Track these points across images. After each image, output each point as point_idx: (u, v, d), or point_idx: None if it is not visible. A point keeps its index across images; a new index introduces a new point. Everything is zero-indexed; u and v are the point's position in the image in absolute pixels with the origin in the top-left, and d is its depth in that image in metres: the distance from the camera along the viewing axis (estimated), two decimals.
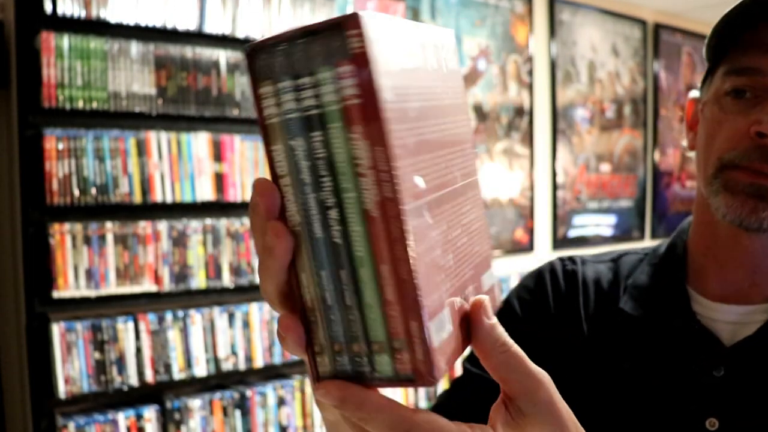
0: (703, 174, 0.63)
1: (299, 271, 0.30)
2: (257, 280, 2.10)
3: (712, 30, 0.63)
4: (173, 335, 1.97)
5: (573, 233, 3.47)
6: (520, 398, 0.35)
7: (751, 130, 0.58)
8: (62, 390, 1.79)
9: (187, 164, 2.00)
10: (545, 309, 0.72)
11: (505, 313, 0.74)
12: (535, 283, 0.75)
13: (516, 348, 0.35)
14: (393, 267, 0.29)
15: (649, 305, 0.68)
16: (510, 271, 2.99)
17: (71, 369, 1.80)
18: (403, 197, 0.28)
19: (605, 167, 3.65)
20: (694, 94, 0.70)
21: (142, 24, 1.92)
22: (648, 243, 3.89)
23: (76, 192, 1.82)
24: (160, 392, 1.96)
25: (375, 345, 0.30)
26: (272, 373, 2.22)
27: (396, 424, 0.31)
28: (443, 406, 0.75)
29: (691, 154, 0.67)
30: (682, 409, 0.63)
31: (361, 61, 0.27)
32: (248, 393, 2.09)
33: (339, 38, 0.27)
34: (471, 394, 0.71)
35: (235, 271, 2.09)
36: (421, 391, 2.55)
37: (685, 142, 0.70)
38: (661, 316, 0.67)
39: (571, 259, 0.76)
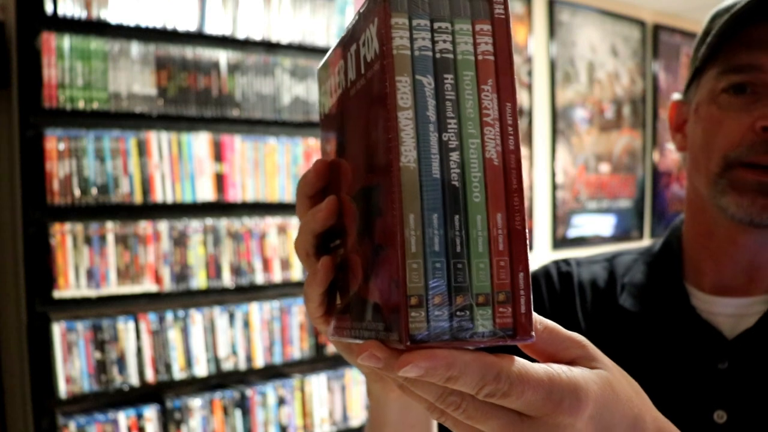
0: (705, 173, 0.63)
1: (406, 211, 0.28)
2: (257, 280, 2.12)
3: (702, 31, 0.65)
4: (174, 335, 1.97)
5: (572, 233, 3.48)
6: (579, 361, 0.35)
7: (756, 125, 0.58)
8: (63, 389, 1.79)
9: (187, 164, 2.00)
10: (541, 311, 0.71)
11: None
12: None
13: (549, 321, 0.35)
14: (508, 216, 0.29)
15: (647, 301, 0.68)
16: None
17: (72, 368, 1.81)
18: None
19: (604, 167, 3.66)
20: (677, 96, 0.71)
21: (143, 25, 1.92)
22: (646, 243, 3.89)
23: (77, 192, 1.83)
24: (161, 392, 1.97)
25: (480, 297, 0.29)
26: (272, 372, 2.22)
27: (485, 373, 0.30)
28: None
29: (678, 155, 0.67)
30: (689, 404, 0.63)
31: (502, 26, 0.29)
32: (248, 392, 2.10)
33: (485, 1, 0.30)
34: None
35: (236, 271, 2.09)
36: None
37: (671, 145, 0.71)
38: (661, 312, 0.67)
39: (566, 261, 0.77)
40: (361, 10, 0.33)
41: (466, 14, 0.30)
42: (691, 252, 0.69)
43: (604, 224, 3.66)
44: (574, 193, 3.50)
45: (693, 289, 0.68)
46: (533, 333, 0.29)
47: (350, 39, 0.35)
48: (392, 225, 0.28)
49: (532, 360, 0.34)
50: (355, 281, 0.34)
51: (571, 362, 0.35)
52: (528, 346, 0.34)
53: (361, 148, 0.33)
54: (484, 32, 0.30)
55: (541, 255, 3.31)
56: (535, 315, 0.32)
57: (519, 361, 0.31)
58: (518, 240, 0.29)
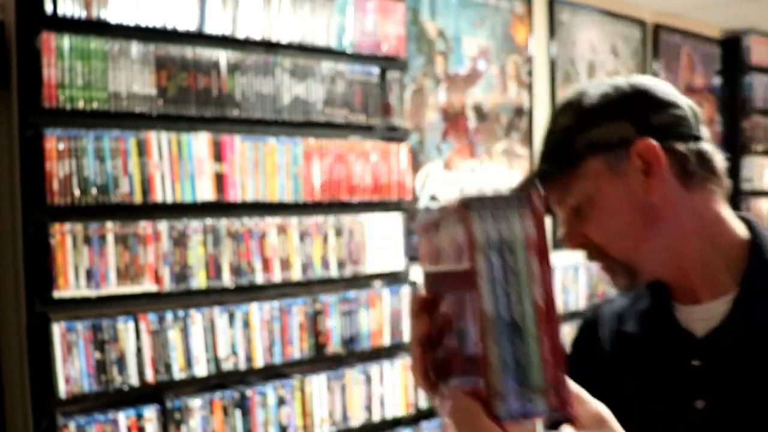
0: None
1: (488, 339, 0.44)
2: (257, 280, 2.11)
3: (668, 103, 0.79)
4: (173, 335, 1.97)
5: None
6: (590, 427, 0.49)
7: None
8: (63, 390, 1.79)
9: (187, 164, 2.00)
10: (582, 347, 0.95)
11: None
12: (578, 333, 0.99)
13: (575, 385, 0.48)
14: (551, 338, 0.44)
15: (645, 323, 0.85)
16: None
17: (72, 369, 1.80)
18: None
19: None
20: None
21: (143, 24, 1.92)
22: None
23: (77, 192, 1.82)
24: (161, 392, 1.96)
25: (538, 388, 0.44)
26: (272, 372, 2.22)
27: None
28: None
29: None
30: (675, 395, 0.79)
31: (539, 214, 0.46)
32: (248, 393, 2.09)
33: (525, 200, 0.46)
34: None
35: (236, 271, 2.09)
36: (421, 391, 2.54)
37: None
38: (653, 329, 0.84)
39: (593, 306, 0.99)
40: (441, 204, 0.53)
41: (516, 207, 0.46)
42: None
43: None
44: None
45: (677, 304, 0.82)
46: (572, 409, 0.45)
47: (435, 222, 0.54)
48: (480, 347, 0.44)
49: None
50: (454, 373, 0.52)
51: (585, 426, 0.49)
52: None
53: (456, 298, 0.50)
54: (527, 217, 0.45)
55: None
56: (572, 389, 0.47)
57: None
58: (558, 352, 0.44)
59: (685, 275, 0.79)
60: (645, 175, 0.77)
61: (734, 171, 4.31)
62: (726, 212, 0.80)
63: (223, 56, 2.07)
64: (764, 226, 0.82)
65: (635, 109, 0.78)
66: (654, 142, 0.76)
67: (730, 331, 0.76)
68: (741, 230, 0.80)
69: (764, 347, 0.74)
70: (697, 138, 0.79)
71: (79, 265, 1.83)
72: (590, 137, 0.78)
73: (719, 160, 0.80)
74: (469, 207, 0.46)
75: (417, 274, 2.64)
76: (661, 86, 0.80)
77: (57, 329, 1.79)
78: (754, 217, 0.84)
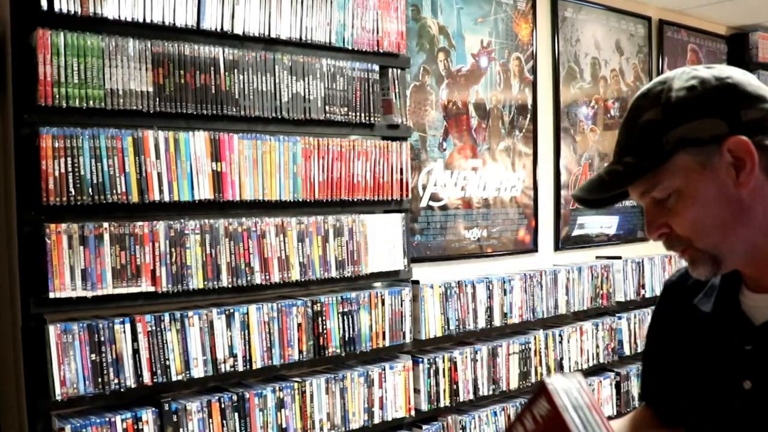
0: None
1: None
2: (256, 280, 2.09)
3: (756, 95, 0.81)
4: (171, 336, 1.94)
5: (576, 233, 3.44)
6: None
7: None
8: (58, 392, 1.76)
9: (184, 163, 1.97)
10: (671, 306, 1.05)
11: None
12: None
13: None
14: None
15: (715, 301, 0.92)
16: (513, 272, 2.96)
17: (67, 370, 1.78)
18: None
19: None
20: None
21: (139, 21, 1.89)
22: (652, 243, 3.84)
23: (73, 191, 1.80)
24: (158, 394, 1.94)
25: None
26: (271, 375, 2.19)
27: None
28: None
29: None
30: (726, 374, 0.88)
31: (552, 405, 0.74)
32: (247, 395, 2.07)
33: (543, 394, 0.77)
34: None
35: (234, 271, 2.06)
36: (422, 393, 2.52)
37: None
38: (720, 308, 0.91)
39: (680, 271, 1.06)
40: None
41: (536, 396, 0.80)
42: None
43: (608, 224, 3.62)
44: None
45: (744, 289, 0.89)
46: None
47: (525, 411, 0.82)
48: None
49: None
50: None
51: None
52: None
53: None
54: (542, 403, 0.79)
55: (544, 255, 3.27)
56: None
57: None
58: None
59: (757, 265, 0.85)
60: (736, 170, 0.80)
61: None
62: None
63: (221, 53, 2.04)
64: None
65: (726, 105, 0.79)
66: (746, 139, 0.78)
67: None
68: None
69: None
70: None
71: (74, 266, 1.80)
72: (681, 133, 0.79)
73: None
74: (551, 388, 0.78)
75: (418, 274, 2.62)
76: (749, 80, 0.82)
77: (52, 330, 1.77)
78: None
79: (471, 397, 2.67)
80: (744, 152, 0.78)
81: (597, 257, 3.40)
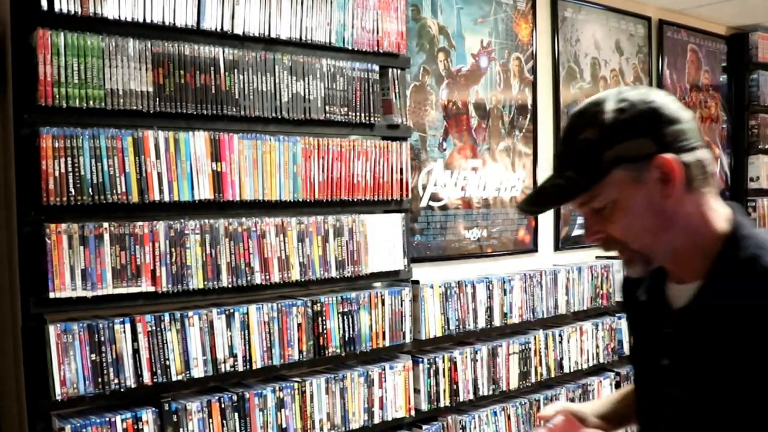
0: None
1: None
2: (256, 280, 2.09)
3: (665, 119, 0.94)
4: (171, 336, 1.94)
5: (576, 233, 3.44)
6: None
7: None
8: (58, 392, 1.76)
9: (184, 163, 1.97)
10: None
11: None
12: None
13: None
14: None
15: (647, 293, 1.09)
16: (513, 272, 2.96)
17: (67, 371, 1.78)
18: None
19: None
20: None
21: (139, 21, 1.89)
22: None
23: (73, 191, 1.80)
24: (158, 394, 1.94)
25: None
26: (271, 374, 2.19)
27: None
28: None
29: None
30: (651, 353, 1.06)
31: None
32: (247, 395, 2.07)
33: None
34: None
35: (234, 271, 2.06)
36: (422, 393, 2.52)
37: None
38: (651, 298, 1.08)
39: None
40: None
41: None
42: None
43: None
44: None
45: (670, 282, 1.04)
46: None
47: None
48: None
49: None
50: None
51: None
52: None
53: None
54: None
55: (544, 255, 3.27)
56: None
57: None
58: None
59: (677, 262, 1.01)
60: (662, 183, 0.93)
61: (740, 170, 4.26)
62: (712, 211, 0.98)
63: (221, 53, 2.04)
64: (745, 221, 0.99)
65: (652, 127, 0.92)
66: (670, 156, 0.91)
67: (692, 308, 0.98)
68: (723, 226, 0.98)
69: (714, 324, 0.95)
70: (698, 147, 0.95)
71: (75, 266, 1.80)
72: (617, 152, 0.92)
73: (712, 163, 0.97)
74: None
75: (418, 274, 2.62)
76: (669, 102, 0.95)
77: (52, 330, 1.77)
78: (740, 211, 1.01)
79: (471, 397, 2.67)
80: (669, 169, 0.92)
81: (597, 257, 3.40)
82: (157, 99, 1.93)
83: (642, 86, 1.00)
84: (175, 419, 1.93)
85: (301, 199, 2.20)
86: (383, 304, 2.39)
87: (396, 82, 2.44)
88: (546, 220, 3.31)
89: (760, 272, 0.93)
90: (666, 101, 0.94)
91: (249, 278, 2.08)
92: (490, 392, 2.73)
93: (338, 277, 2.28)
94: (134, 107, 1.89)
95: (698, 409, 0.99)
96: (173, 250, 1.95)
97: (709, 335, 0.96)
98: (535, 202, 1.02)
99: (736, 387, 0.93)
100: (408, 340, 2.46)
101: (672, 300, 1.03)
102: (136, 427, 1.86)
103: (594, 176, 0.93)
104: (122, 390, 1.85)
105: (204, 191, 2.00)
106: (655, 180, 0.92)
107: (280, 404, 2.13)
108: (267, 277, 2.12)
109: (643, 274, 1.02)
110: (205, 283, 2.00)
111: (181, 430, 1.94)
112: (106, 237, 1.85)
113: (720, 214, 0.98)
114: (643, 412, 1.13)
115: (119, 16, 1.86)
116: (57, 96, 1.78)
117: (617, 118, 0.92)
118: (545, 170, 3.31)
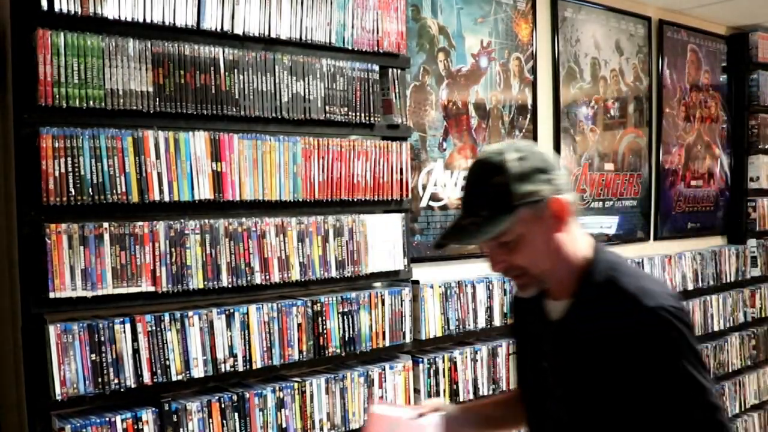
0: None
1: None
2: (256, 280, 2.09)
3: (535, 169, 1.17)
4: (171, 336, 1.94)
5: None
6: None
7: None
8: (58, 392, 1.76)
9: (185, 163, 1.97)
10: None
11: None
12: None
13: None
14: None
15: (532, 309, 1.30)
16: None
17: (67, 371, 1.78)
18: None
19: (609, 166, 3.61)
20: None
21: (139, 21, 1.89)
22: (651, 243, 3.85)
23: (73, 191, 1.80)
24: (158, 394, 1.94)
25: None
26: (271, 374, 2.19)
27: None
28: None
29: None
30: (535, 358, 1.29)
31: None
32: (247, 395, 2.07)
33: None
34: None
35: (234, 271, 2.06)
36: (422, 393, 2.52)
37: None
38: (534, 313, 1.29)
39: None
40: None
41: None
42: None
43: (608, 224, 3.62)
44: (578, 192, 3.46)
45: (548, 300, 1.26)
46: None
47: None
48: None
49: None
50: None
51: None
52: None
53: None
54: None
55: None
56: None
57: None
58: None
59: (554, 283, 1.21)
60: (555, 219, 1.15)
61: (740, 170, 4.26)
62: (580, 239, 1.21)
63: (221, 53, 2.04)
64: (602, 247, 1.24)
65: (546, 174, 1.14)
66: (561, 198, 1.15)
67: (563, 323, 1.21)
68: (587, 251, 1.21)
69: (577, 338, 1.18)
70: (569, 190, 1.18)
71: (75, 266, 1.80)
72: (522, 194, 1.12)
73: (576, 202, 1.24)
74: None
75: (418, 274, 2.62)
76: (549, 154, 1.19)
77: (52, 330, 1.77)
78: (599, 240, 1.27)
79: (471, 397, 2.67)
80: (561, 207, 1.15)
81: None
82: (157, 99, 1.93)
83: (525, 140, 1.29)
84: (175, 419, 1.93)
85: (301, 199, 2.20)
86: (383, 304, 2.39)
87: (396, 82, 2.44)
88: None
89: (614, 292, 1.15)
90: (549, 154, 1.19)
91: (249, 278, 2.08)
92: (490, 392, 2.73)
93: (338, 277, 2.28)
94: (134, 107, 1.89)
95: (571, 414, 1.18)
96: (173, 250, 1.95)
97: (576, 348, 1.17)
98: (455, 238, 1.20)
99: (599, 397, 1.14)
100: (408, 340, 2.46)
101: (551, 314, 1.24)
102: (136, 427, 1.86)
103: (506, 214, 1.11)
104: (122, 390, 1.85)
105: (204, 191, 2.00)
106: (550, 217, 1.14)
107: (280, 404, 2.14)
108: (267, 277, 2.12)
109: (533, 295, 1.22)
110: (205, 283, 2.00)
111: (181, 430, 1.94)
112: (106, 237, 1.85)
113: (585, 242, 1.21)
114: (531, 424, 1.34)
115: (119, 16, 1.86)
116: (57, 96, 1.78)
117: (521, 166, 1.12)
118: None
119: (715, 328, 3.85)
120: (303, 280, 2.21)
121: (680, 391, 1.08)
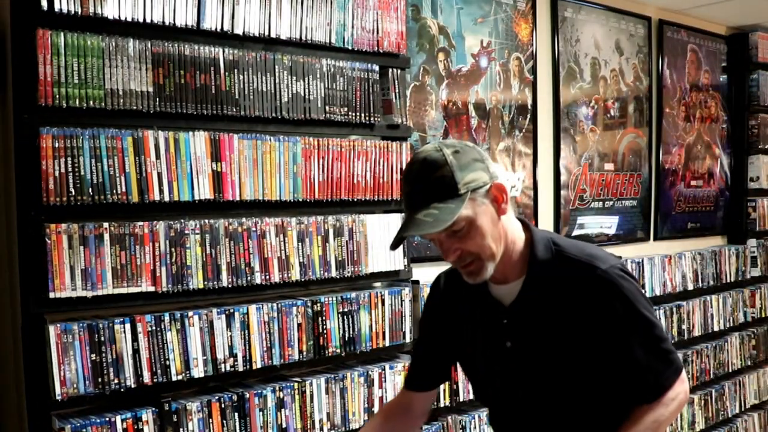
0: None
1: None
2: (256, 280, 2.09)
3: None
4: (171, 336, 1.94)
5: (576, 233, 3.44)
6: None
7: None
8: (58, 392, 1.76)
9: (185, 163, 1.97)
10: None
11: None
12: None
13: None
14: None
15: (475, 294, 1.36)
16: None
17: (67, 370, 1.78)
18: None
19: (609, 166, 3.62)
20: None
21: (139, 21, 1.89)
22: (651, 243, 3.85)
23: (73, 191, 1.80)
24: (158, 394, 1.94)
25: None
26: (271, 374, 2.19)
27: None
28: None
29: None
30: (494, 339, 1.34)
31: None
32: (247, 395, 2.07)
33: None
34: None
35: (234, 271, 2.06)
36: None
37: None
38: (479, 299, 1.36)
39: (438, 277, 1.54)
40: None
41: None
42: None
43: (608, 224, 3.62)
44: (578, 192, 3.46)
45: (490, 283, 1.33)
46: None
47: None
48: None
49: None
50: None
51: None
52: None
53: None
54: None
55: None
56: None
57: None
58: None
59: (501, 267, 1.28)
60: (496, 203, 1.24)
61: (740, 170, 4.27)
62: (516, 222, 1.32)
63: (221, 53, 2.04)
64: (533, 227, 1.35)
65: (482, 163, 1.24)
66: (500, 183, 1.24)
67: (521, 301, 1.30)
68: (524, 233, 1.32)
69: (539, 310, 1.28)
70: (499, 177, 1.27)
71: (75, 266, 1.80)
72: (467, 183, 1.20)
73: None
74: None
75: (418, 274, 2.62)
76: (477, 147, 1.28)
77: (52, 330, 1.77)
78: (525, 219, 1.37)
79: (471, 396, 2.67)
80: (500, 192, 1.24)
81: None
82: (157, 99, 1.93)
83: (453, 139, 1.34)
84: (175, 419, 1.93)
85: (301, 199, 2.20)
86: (383, 304, 2.39)
87: (396, 82, 2.44)
88: (546, 219, 3.32)
89: (565, 261, 1.27)
90: (477, 146, 1.28)
91: (249, 278, 2.09)
92: None
93: (338, 277, 2.28)
94: (134, 107, 1.89)
95: (544, 377, 1.28)
96: (173, 250, 1.95)
97: (539, 314, 1.28)
98: (414, 231, 1.21)
99: (568, 345, 1.25)
100: (408, 340, 2.46)
101: (501, 298, 1.32)
102: (136, 427, 1.86)
103: (457, 202, 1.18)
104: (122, 390, 1.85)
105: (204, 191, 2.00)
106: (493, 201, 1.23)
107: (280, 404, 2.14)
108: (267, 277, 2.12)
109: (481, 281, 1.27)
110: (205, 283, 2.01)
111: (181, 430, 1.94)
112: (106, 237, 1.85)
113: (518, 223, 1.32)
114: (497, 398, 1.40)
115: (119, 16, 1.86)
116: (57, 96, 1.78)
117: (459, 158, 1.20)
118: (545, 170, 3.31)
119: (715, 328, 3.85)
120: (303, 280, 2.21)
121: (640, 330, 1.25)
